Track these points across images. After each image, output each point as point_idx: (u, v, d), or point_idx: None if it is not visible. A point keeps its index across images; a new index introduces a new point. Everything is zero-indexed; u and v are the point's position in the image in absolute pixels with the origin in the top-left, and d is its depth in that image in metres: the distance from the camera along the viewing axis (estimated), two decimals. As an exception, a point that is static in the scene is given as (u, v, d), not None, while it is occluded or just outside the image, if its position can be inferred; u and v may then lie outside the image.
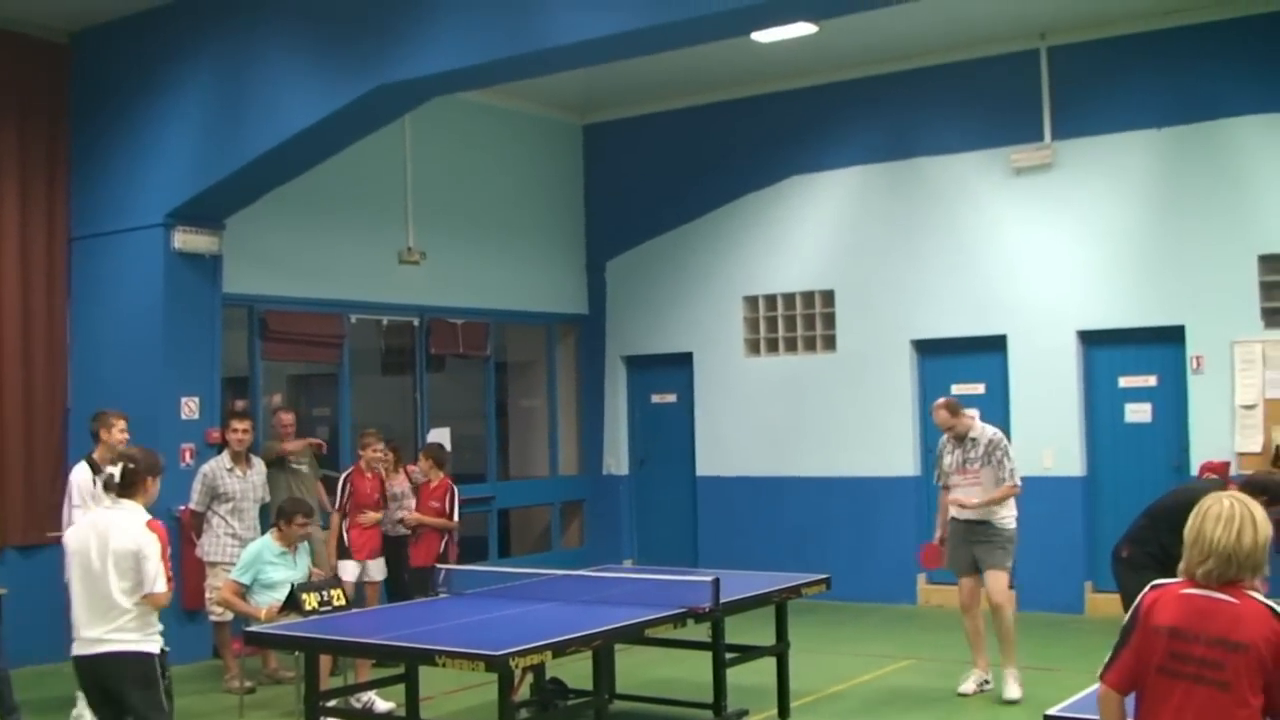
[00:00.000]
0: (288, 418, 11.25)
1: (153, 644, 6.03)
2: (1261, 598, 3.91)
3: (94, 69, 11.69)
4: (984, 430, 9.39)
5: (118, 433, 9.33)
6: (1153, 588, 4.07)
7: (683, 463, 15.15)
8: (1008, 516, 9.16)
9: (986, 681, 9.13)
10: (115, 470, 6.21)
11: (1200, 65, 12.09)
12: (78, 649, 6.07)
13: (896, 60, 13.57)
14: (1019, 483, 9.19)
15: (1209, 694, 3.84)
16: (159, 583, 6.00)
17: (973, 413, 9.70)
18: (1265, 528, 3.94)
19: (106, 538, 6.05)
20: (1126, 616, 4.13)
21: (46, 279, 11.41)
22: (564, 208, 15.73)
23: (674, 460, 15.28)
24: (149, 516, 6.16)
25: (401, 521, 10.81)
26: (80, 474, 9.16)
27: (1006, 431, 12.83)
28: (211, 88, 10.98)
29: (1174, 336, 12.17)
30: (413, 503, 10.88)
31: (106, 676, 6.02)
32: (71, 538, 6.26)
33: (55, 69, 11.62)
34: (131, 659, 5.97)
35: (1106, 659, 4.08)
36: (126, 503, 6.16)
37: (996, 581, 9.06)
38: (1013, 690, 8.91)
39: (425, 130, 13.64)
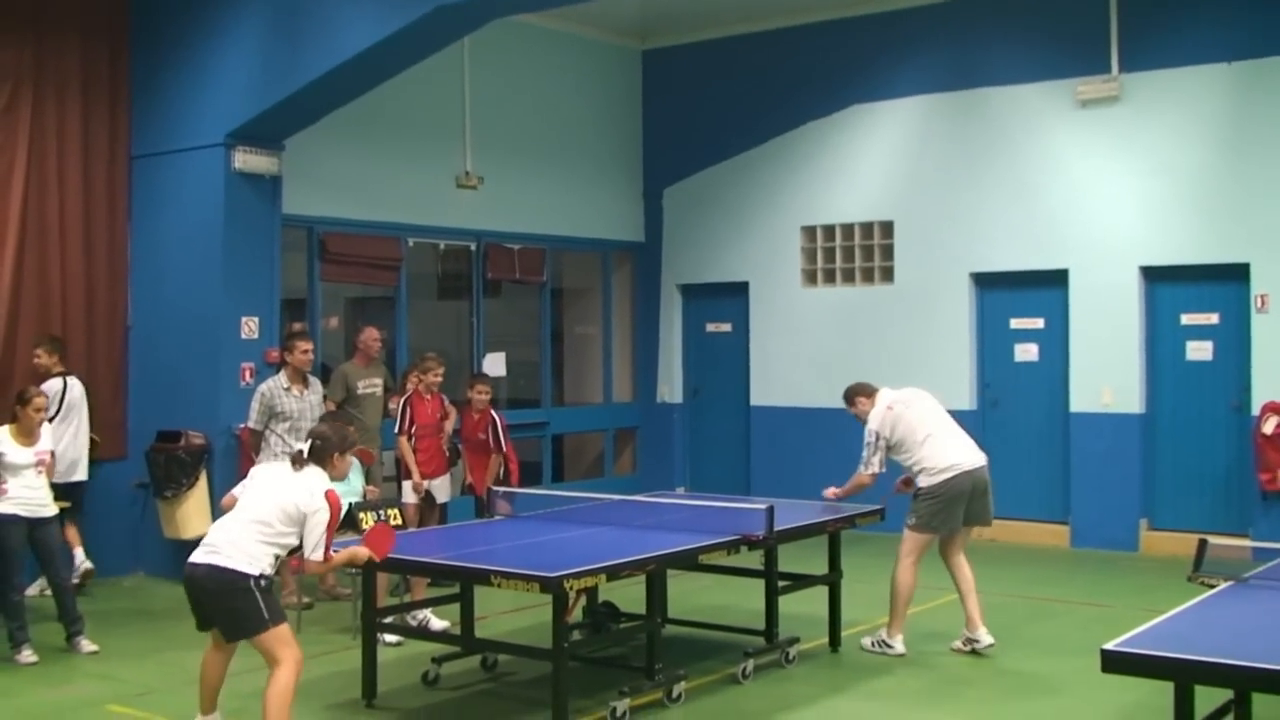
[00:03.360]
0: (375, 333, 11.18)
1: (254, 569, 6.21)
2: None
3: (156, -12, 11.72)
4: (870, 420, 8.73)
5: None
6: None
7: (737, 392, 15.15)
8: (919, 474, 8.57)
9: (973, 640, 8.59)
10: (305, 446, 6.53)
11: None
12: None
13: (962, -12, 13.39)
14: (864, 472, 8.65)
15: None
16: (318, 551, 6.26)
17: (873, 400, 8.74)
18: None
19: (283, 485, 6.36)
20: None
21: (108, 198, 11.49)
22: (622, 134, 15.65)
23: (728, 390, 15.28)
24: (330, 486, 6.39)
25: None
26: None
27: (1065, 366, 12.83)
28: (272, 8, 10.96)
29: (1238, 274, 12.01)
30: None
31: (205, 586, 6.25)
32: (260, 469, 6.73)
33: (117, -12, 11.66)
34: (232, 574, 6.17)
35: None
36: (313, 468, 6.44)
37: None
38: (865, 640, 8.66)
39: (484, 55, 13.58)
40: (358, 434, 9.58)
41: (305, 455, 6.46)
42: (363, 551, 6.68)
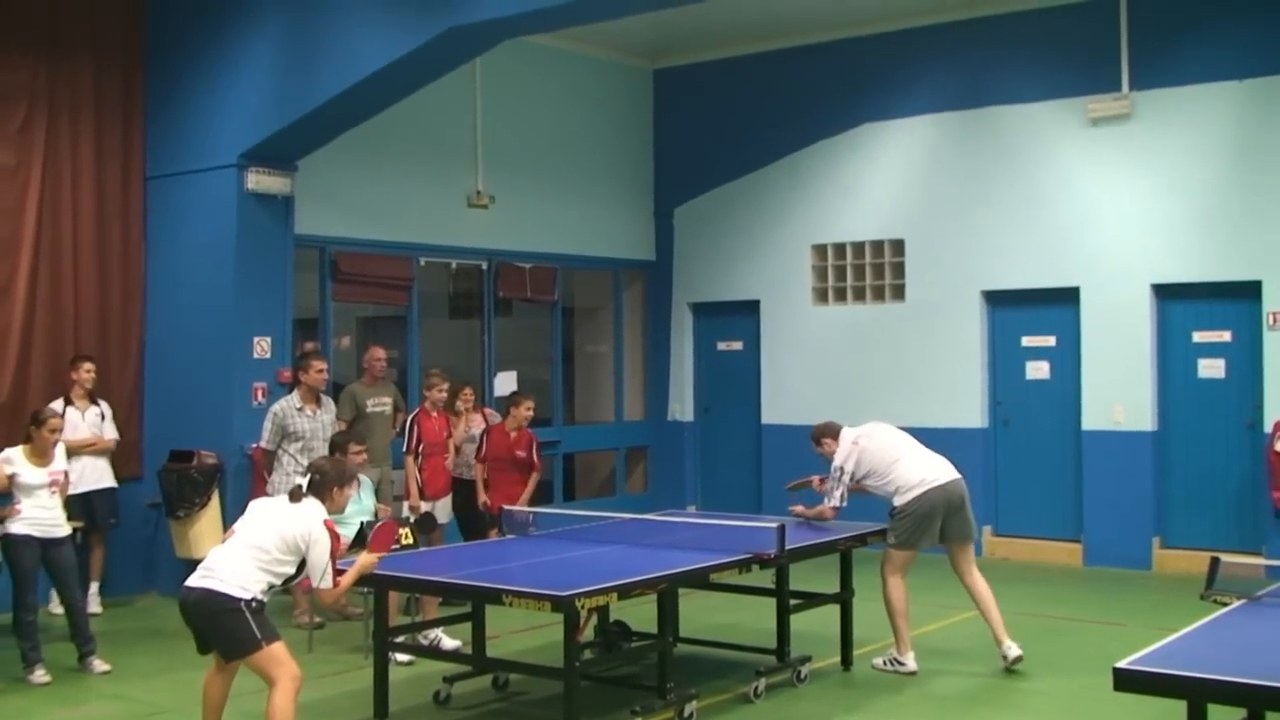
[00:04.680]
0: (380, 352, 11.25)
1: (246, 594, 6.21)
2: None
3: (169, 10, 11.77)
4: (835, 457, 8.92)
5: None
6: None
7: (748, 410, 15.14)
8: (894, 494, 8.72)
9: (1005, 655, 8.61)
10: (303, 481, 6.57)
11: (1284, 15, 11.86)
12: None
13: (973, 6, 13.41)
14: (827, 504, 8.84)
15: None
16: (325, 579, 6.32)
17: (839, 439, 8.92)
18: None
19: (282, 516, 6.39)
20: None
21: (122, 218, 11.55)
22: (633, 153, 15.69)
23: (739, 408, 15.27)
24: (327, 516, 6.43)
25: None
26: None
27: (1077, 384, 12.81)
28: (285, 29, 11.02)
29: (1250, 292, 11.99)
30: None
31: (198, 609, 6.26)
32: (258, 503, 6.68)
33: (131, 10, 11.71)
34: (223, 598, 6.18)
35: None
36: (311, 500, 6.48)
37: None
38: (877, 660, 8.71)
39: (496, 74, 13.63)
40: (367, 454, 9.67)
41: (305, 489, 6.51)
42: (370, 559, 6.75)
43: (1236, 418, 12.20)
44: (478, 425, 11.25)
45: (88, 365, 10.53)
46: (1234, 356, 12.28)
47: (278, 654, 6.18)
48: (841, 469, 8.86)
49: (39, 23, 11.01)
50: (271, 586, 6.32)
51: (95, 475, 10.46)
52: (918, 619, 10.08)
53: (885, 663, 8.69)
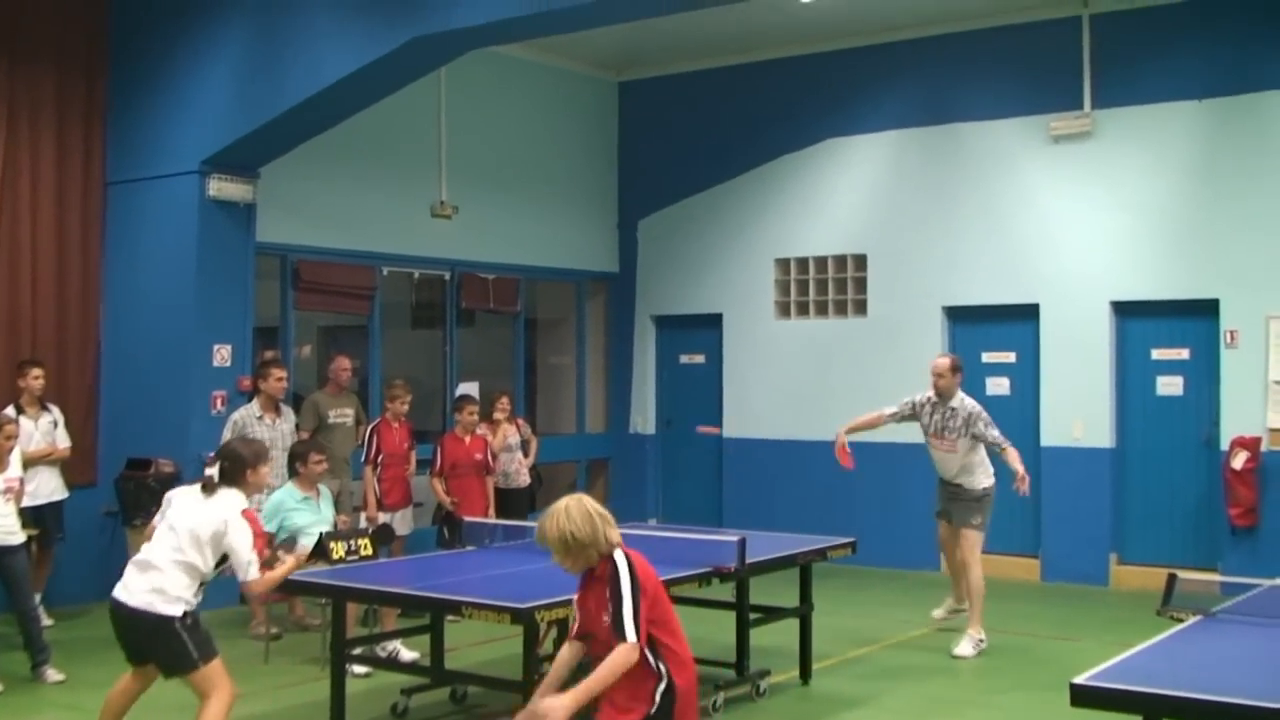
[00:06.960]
0: (346, 363, 11.22)
1: (176, 608, 6.12)
2: None
3: (132, 15, 11.70)
4: (963, 402, 9.52)
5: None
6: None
7: (709, 423, 15.12)
8: (979, 473, 9.57)
9: (958, 610, 9.79)
10: (213, 470, 6.34)
11: (1242, 37, 11.97)
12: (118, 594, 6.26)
13: (936, 24, 13.46)
14: (1010, 446, 9.45)
15: None
16: (251, 571, 6.18)
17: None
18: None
19: (194, 511, 6.24)
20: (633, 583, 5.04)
21: (81, 223, 11.45)
22: (597, 165, 15.69)
23: (701, 421, 15.24)
24: (245, 505, 6.30)
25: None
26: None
27: (1036, 400, 12.88)
28: (248, 36, 10.98)
29: (1208, 310, 12.09)
30: (520, 456, 11.49)
31: (132, 627, 6.21)
32: (174, 494, 6.51)
33: (93, 14, 11.62)
34: (153, 618, 6.11)
35: (633, 623, 5.05)
36: (226, 490, 6.31)
37: (963, 540, 9.53)
38: (962, 648, 9.29)
39: (461, 84, 13.61)
40: (328, 462, 9.60)
41: (216, 479, 6.32)
42: (303, 560, 6.75)
43: (1194, 435, 12.30)
44: (514, 435, 11.48)
45: (36, 371, 10.09)
46: (1192, 374, 12.37)
47: (213, 674, 6.12)
48: (989, 421, 9.43)
49: (0, 25, 10.91)
50: (201, 585, 6.21)
51: (50, 488, 10.12)
52: (875, 633, 10.13)
53: (973, 645, 9.27)
